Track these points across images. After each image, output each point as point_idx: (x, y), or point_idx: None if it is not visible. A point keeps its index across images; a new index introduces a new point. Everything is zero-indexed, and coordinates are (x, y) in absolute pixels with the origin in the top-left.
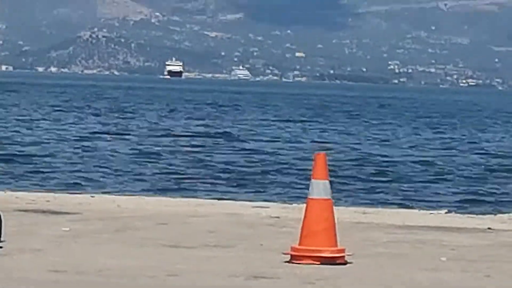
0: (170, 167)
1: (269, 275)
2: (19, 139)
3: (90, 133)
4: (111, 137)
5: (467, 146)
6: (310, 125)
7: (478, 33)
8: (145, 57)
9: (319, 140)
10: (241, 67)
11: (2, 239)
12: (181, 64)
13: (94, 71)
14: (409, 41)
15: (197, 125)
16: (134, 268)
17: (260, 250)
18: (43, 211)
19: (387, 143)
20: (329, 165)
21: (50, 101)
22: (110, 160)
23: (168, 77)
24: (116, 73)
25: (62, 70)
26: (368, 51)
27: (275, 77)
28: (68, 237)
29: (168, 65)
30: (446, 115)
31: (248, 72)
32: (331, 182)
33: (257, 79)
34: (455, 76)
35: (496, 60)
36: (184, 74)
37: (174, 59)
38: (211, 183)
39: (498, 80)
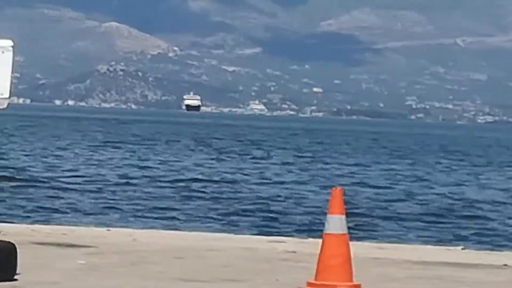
0: (186, 201)
1: None
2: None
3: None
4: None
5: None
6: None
7: (496, 70)
8: (163, 91)
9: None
10: (257, 102)
11: (17, 272)
12: (199, 98)
13: (112, 105)
14: (427, 77)
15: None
16: None
17: (276, 285)
18: (59, 244)
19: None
20: (345, 200)
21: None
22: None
23: (186, 111)
24: (133, 106)
25: (79, 103)
26: (386, 86)
27: (292, 112)
28: (84, 270)
29: (186, 99)
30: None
31: (264, 107)
32: (347, 217)
33: (274, 114)
34: (472, 113)
35: None
36: (202, 108)
37: (192, 93)
38: (227, 217)
39: None
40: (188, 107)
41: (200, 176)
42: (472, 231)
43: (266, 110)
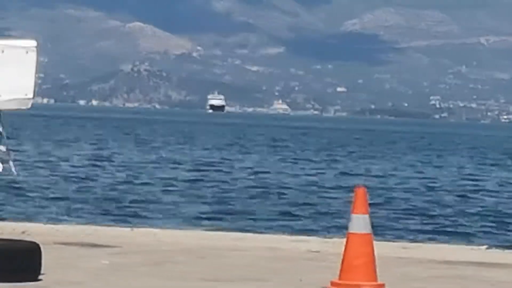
0: (209, 199)
1: None
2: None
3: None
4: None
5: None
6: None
7: None
8: (186, 90)
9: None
10: (280, 102)
11: (41, 271)
12: (223, 98)
13: (135, 105)
14: (450, 77)
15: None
16: None
17: (299, 285)
18: (83, 244)
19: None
20: (369, 199)
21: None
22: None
23: (211, 111)
24: (157, 106)
25: (103, 103)
26: (409, 86)
27: (316, 112)
28: (108, 270)
29: (211, 99)
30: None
31: (287, 106)
32: (371, 216)
33: (298, 113)
34: (496, 112)
35: None
36: (226, 108)
37: (216, 92)
38: (250, 216)
39: None
40: (213, 107)
41: (223, 176)
42: (497, 230)
43: (289, 109)
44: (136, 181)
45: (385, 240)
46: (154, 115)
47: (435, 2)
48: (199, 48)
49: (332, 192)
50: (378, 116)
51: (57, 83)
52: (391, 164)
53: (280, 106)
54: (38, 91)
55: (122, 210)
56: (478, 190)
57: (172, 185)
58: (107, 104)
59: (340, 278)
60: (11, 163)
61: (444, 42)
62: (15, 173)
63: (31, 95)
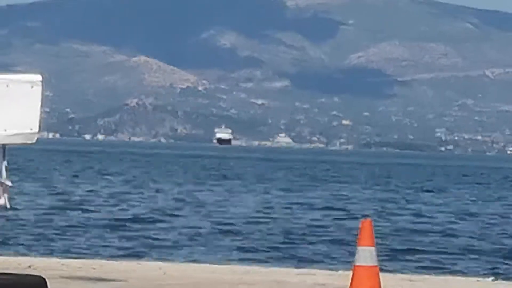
0: (217, 232)
1: None
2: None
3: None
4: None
5: None
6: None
7: None
8: (192, 124)
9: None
10: (283, 135)
11: None
12: (230, 131)
13: (141, 139)
14: (455, 109)
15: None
16: None
17: None
18: (89, 278)
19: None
20: (375, 232)
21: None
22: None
23: (218, 144)
24: (162, 140)
25: (109, 137)
26: (415, 118)
27: (321, 145)
28: None
29: (218, 132)
30: None
31: (290, 140)
32: (377, 249)
33: (304, 146)
34: (502, 144)
35: None
36: (232, 142)
37: (223, 126)
38: (257, 250)
39: None
40: (220, 140)
41: (225, 210)
42: (503, 262)
43: (292, 142)
44: (143, 216)
45: (391, 272)
46: (164, 149)
47: (439, 35)
48: (204, 81)
49: (340, 223)
50: (384, 149)
51: (62, 117)
52: (399, 195)
53: (283, 140)
54: (44, 126)
55: (129, 243)
56: (483, 221)
57: (180, 219)
58: (112, 138)
59: None
60: (5, 196)
61: (449, 75)
62: (8, 206)
63: (36, 130)
